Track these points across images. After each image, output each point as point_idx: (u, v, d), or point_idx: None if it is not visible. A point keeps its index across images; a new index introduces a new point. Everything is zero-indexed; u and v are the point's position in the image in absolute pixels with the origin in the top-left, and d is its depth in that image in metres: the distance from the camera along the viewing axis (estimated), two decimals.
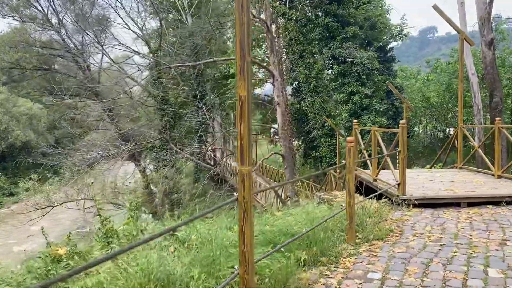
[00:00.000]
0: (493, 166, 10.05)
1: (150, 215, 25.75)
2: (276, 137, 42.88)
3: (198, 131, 27.38)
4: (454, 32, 10.87)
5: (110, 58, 27.09)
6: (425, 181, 9.54)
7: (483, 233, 5.34)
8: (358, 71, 21.89)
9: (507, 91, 23.57)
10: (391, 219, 6.40)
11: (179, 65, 21.50)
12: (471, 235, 5.23)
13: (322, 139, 25.09)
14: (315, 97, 25.58)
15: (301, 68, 26.14)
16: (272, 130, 42.14)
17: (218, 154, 40.18)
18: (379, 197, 8.21)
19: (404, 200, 7.68)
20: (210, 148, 29.65)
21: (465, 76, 25.90)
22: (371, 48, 23.35)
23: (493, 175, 9.93)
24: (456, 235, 5.25)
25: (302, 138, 32.21)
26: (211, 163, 31.84)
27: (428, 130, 34.85)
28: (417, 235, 5.36)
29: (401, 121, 7.86)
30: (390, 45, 32.13)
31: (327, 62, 23.72)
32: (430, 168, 14.33)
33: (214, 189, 23.08)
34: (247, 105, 2.80)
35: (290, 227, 4.97)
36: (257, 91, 42.01)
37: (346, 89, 22.21)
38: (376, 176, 9.73)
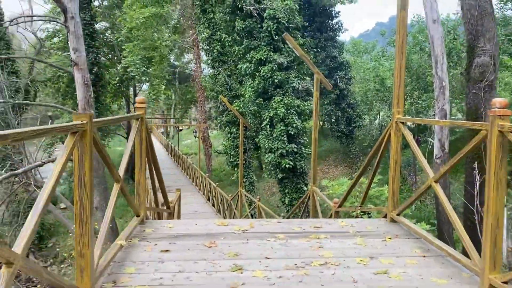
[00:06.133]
0: (473, 251, 2.94)
1: None
2: (194, 123, 35.25)
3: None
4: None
5: None
6: None
7: None
8: (269, 29, 14.41)
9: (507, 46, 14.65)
10: None
11: None
12: None
13: (226, 128, 17.62)
14: (220, 68, 18.05)
15: (202, 26, 18.48)
16: (193, 116, 34.47)
17: None
18: None
19: None
20: None
21: (419, 41, 18.23)
22: None
23: (475, 269, 2.82)
24: None
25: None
26: None
27: (381, 119, 28.00)
28: None
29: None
30: (336, 8, 24.94)
31: (232, 16, 16.12)
32: (344, 201, 7.15)
33: None
34: None
35: None
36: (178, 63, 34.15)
37: (253, 57, 14.72)
38: None
